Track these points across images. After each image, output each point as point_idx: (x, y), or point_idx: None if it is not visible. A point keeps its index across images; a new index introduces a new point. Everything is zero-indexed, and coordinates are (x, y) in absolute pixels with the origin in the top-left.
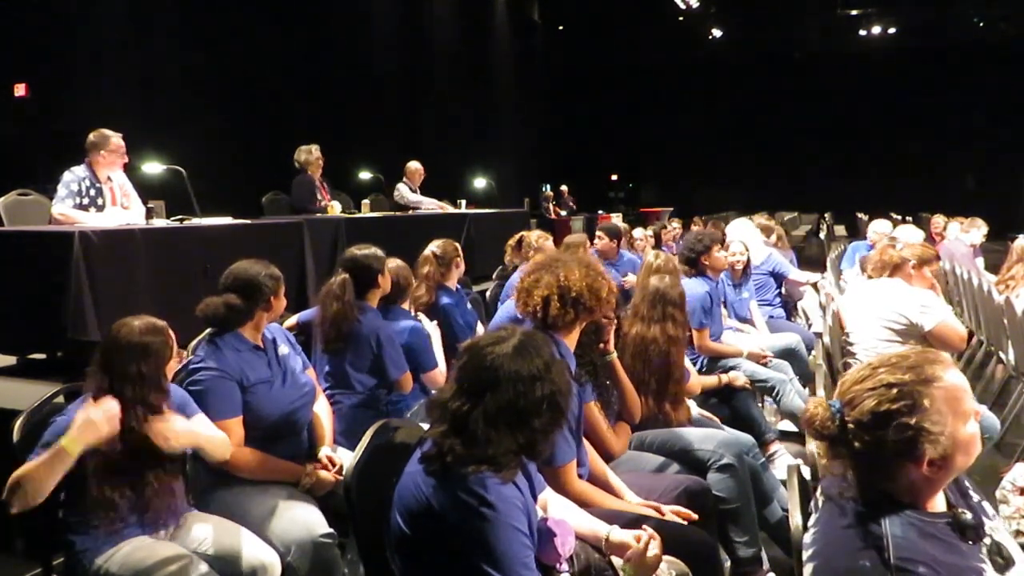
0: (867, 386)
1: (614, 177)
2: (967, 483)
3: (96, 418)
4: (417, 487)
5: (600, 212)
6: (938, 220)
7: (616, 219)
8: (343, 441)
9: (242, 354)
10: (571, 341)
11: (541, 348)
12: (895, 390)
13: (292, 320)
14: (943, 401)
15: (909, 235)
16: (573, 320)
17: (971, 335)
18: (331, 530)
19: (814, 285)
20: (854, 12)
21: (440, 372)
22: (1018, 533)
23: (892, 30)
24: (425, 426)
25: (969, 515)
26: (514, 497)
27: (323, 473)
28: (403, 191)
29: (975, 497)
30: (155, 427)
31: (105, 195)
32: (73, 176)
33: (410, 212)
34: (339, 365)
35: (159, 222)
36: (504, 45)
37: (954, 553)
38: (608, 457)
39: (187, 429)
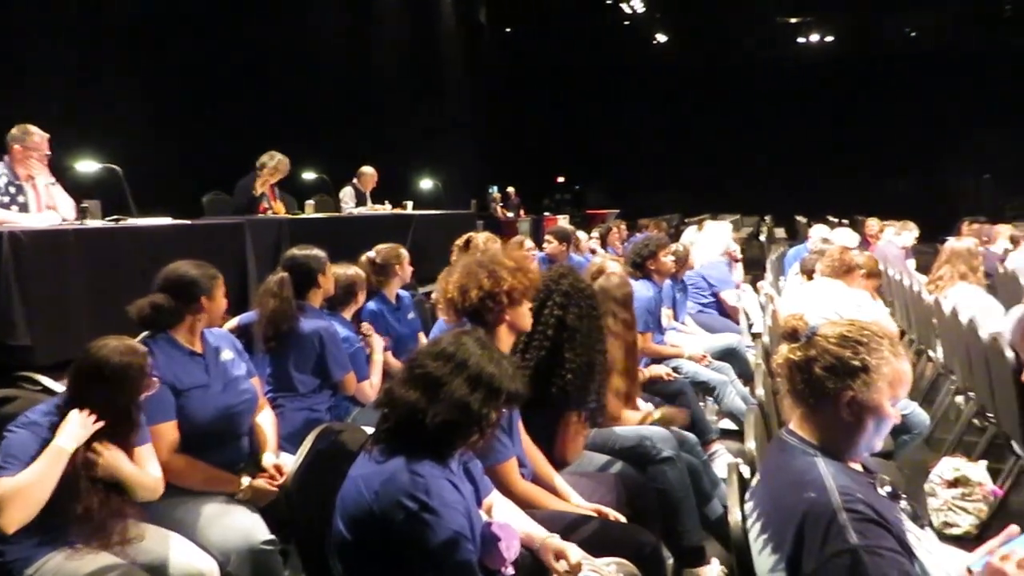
0: (845, 326)
1: (560, 179)
2: (898, 490)
3: (84, 420)
4: (359, 492)
5: (546, 214)
6: (872, 223)
7: (563, 221)
8: (286, 446)
9: (175, 358)
10: (502, 344)
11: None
12: (866, 333)
13: (232, 323)
14: (891, 371)
15: (844, 238)
16: (481, 311)
17: (902, 334)
18: (272, 537)
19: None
20: (793, 20)
21: (370, 384)
22: (946, 524)
23: (829, 38)
24: (368, 430)
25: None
26: (455, 502)
27: (260, 483)
28: (346, 199)
29: (904, 503)
30: (105, 455)
31: (28, 194)
32: None
33: (355, 214)
34: (282, 366)
35: (94, 222)
36: (451, 46)
37: (879, 498)
38: (561, 465)
39: (118, 464)
